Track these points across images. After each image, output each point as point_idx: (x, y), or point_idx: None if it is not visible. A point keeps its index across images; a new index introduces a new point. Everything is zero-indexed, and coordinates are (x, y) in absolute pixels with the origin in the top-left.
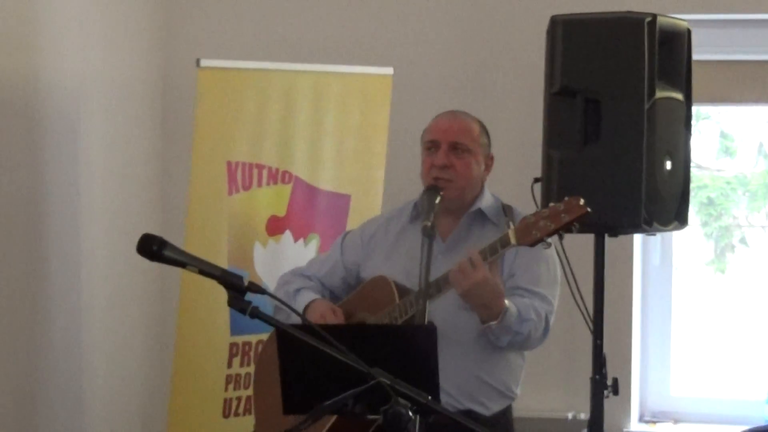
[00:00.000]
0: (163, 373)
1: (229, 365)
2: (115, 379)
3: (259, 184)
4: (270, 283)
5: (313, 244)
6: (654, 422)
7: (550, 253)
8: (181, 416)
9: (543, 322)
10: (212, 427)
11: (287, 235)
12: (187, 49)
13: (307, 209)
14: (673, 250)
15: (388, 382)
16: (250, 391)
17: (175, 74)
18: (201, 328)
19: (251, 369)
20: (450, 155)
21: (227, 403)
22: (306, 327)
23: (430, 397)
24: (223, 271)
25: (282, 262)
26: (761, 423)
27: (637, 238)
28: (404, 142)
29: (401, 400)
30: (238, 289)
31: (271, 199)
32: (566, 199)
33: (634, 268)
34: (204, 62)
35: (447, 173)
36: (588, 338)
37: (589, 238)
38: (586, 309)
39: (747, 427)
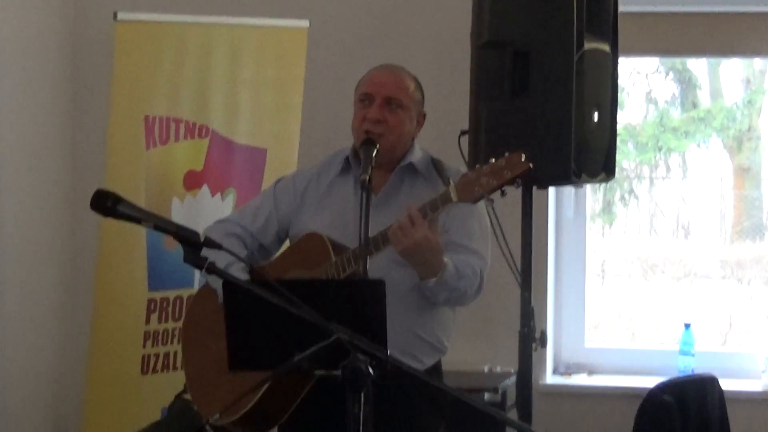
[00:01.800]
0: (81, 332)
1: (147, 321)
2: (30, 336)
3: (177, 139)
4: None
5: (230, 199)
6: (569, 374)
7: (480, 207)
8: (99, 374)
9: (478, 278)
10: (130, 384)
11: (205, 189)
12: (103, 2)
13: (224, 163)
14: (587, 202)
15: (348, 338)
16: (168, 348)
17: (90, 28)
18: (119, 283)
19: (169, 325)
20: (383, 110)
21: (145, 359)
22: (259, 282)
23: (389, 352)
24: (179, 226)
25: (200, 217)
26: (675, 373)
27: (551, 190)
28: (321, 96)
29: (360, 356)
30: (194, 245)
31: (189, 154)
32: (507, 154)
33: (549, 220)
34: (121, 15)
35: (379, 127)
36: (505, 291)
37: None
38: (514, 262)
39: (662, 378)
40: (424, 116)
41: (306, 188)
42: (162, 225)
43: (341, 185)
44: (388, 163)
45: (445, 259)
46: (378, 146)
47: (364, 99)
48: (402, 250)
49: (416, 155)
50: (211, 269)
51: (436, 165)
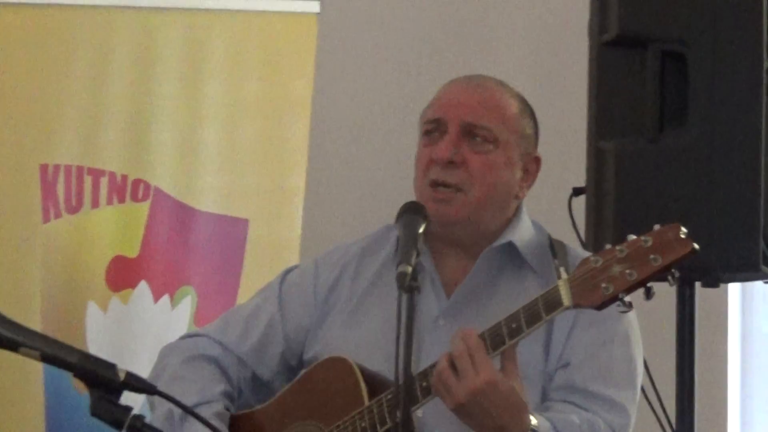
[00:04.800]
0: None
1: None
2: None
3: (96, 204)
4: None
5: (186, 305)
6: None
7: (629, 322)
8: None
9: None
10: None
11: (142, 288)
12: None
13: (177, 245)
14: None
15: None
16: None
17: None
18: None
19: None
20: (462, 144)
21: None
22: None
23: None
24: (83, 355)
25: (134, 333)
26: None
27: (732, 288)
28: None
29: None
30: (109, 386)
31: (116, 229)
32: (657, 227)
33: (729, 337)
34: None
35: (454, 175)
36: None
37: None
38: (663, 407)
39: None
40: (537, 161)
41: (336, 284)
42: (54, 353)
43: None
44: (473, 242)
45: (535, 421)
46: (429, 217)
47: (433, 129)
48: (454, 406)
49: (523, 231)
50: (138, 428)
51: (555, 250)
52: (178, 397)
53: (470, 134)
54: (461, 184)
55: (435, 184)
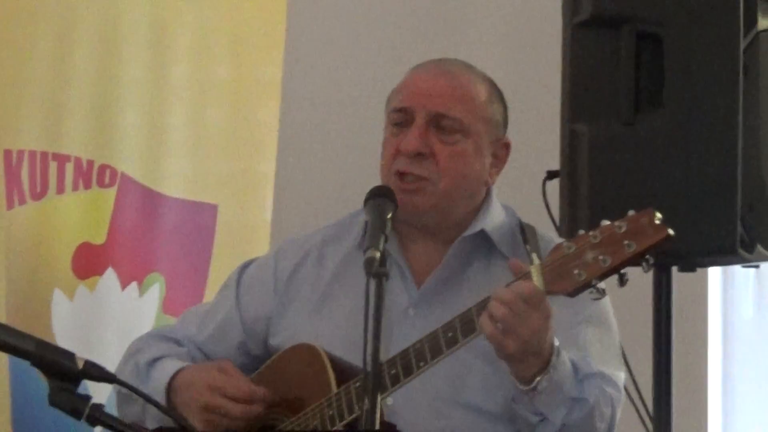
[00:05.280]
0: None
1: None
2: None
3: (60, 190)
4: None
5: (155, 292)
6: None
7: (603, 305)
8: None
9: (609, 407)
10: None
11: (110, 276)
12: None
13: (144, 232)
14: None
15: None
16: None
17: None
18: None
19: None
20: (429, 135)
21: None
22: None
23: None
24: (40, 343)
25: (101, 321)
26: None
27: (714, 272)
28: (315, 109)
29: None
30: (67, 375)
31: (82, 215)
32: (631, 213)
33: (709, 324)
34: None
35: (421, 166)
36: None
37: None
38: (640, 394)
39: None
40: (506, 146)
41: (296, 270)
42: (9, 341)
43: (361, 264)
44: (443, 231)
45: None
46: (396, 203)
47: (399, 119)
48: (514, 350)
49: (494, 217)
50: (97, 417)
51: (526, 235)
52: (141, 356)
53: (438, 124)
54: (429, 175)
55: (402, 175)
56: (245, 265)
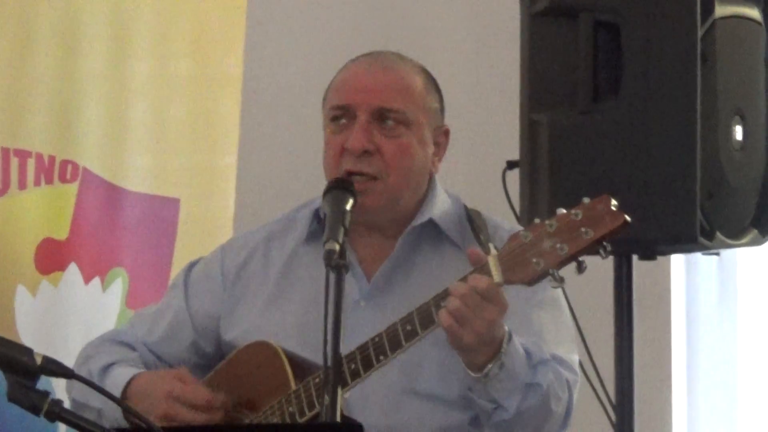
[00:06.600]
0: None
1: None
2: None
3: (22, 186)
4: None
5: (118, 286)
6: None
7: (553, 291)
8: None
9: (566, 390)
10: None
11: (72, 271)
12: None
13: (107, 227)
14: (738, 279)
15: None
16: None
17: None
18: None
19: None
20: (373, 131)
21: None
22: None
23: None
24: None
25: (65, 316)
26: None
27: (678, 260)
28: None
29: None
30: (25, 371)
31: (44, 211)
32: (586, 201)
33: (672, 313)
34: None
35: (369, 164)
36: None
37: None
38: (602, 384)
39: None
40: (446, 134)
41: (244, 266)
42: None
43: (308, 258)
44: (391, 223)
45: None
46: (356, 194)
47: (339, 116)
48: (468, 343)
49: (439, 205)
50: (56, 413)
51: (473, 221)
52: (93, 363)
53: (381, 118)
54: (377, 173)
55: (350, 174)
56: (192, 265)
